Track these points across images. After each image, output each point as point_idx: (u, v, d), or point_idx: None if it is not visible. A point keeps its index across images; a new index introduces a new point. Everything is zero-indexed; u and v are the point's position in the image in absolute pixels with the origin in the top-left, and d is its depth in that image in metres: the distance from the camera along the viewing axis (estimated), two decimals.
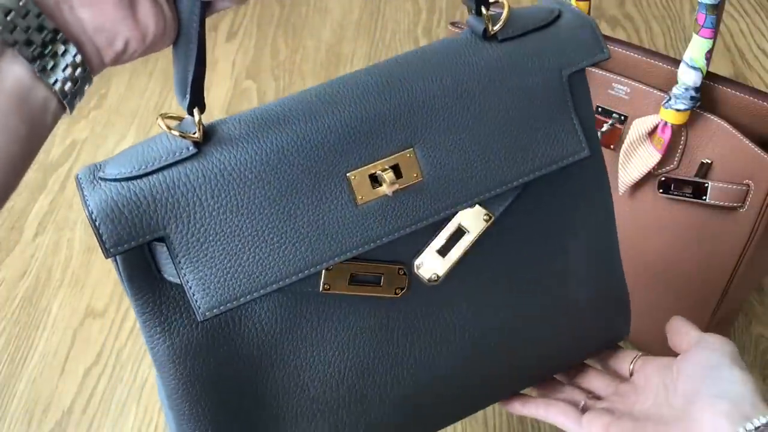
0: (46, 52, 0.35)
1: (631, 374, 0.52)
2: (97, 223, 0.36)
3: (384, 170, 0.40)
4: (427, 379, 0.46)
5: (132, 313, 0.80)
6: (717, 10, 0.56)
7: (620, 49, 0.65)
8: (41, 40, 0.34)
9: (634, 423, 0.46)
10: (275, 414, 0.43)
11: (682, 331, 0.49)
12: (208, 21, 1.25)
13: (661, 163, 0.63)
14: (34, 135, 0.36)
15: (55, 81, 0.36)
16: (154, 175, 0.37)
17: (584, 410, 0.50)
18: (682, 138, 0.62)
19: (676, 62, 0.61)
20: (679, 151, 0.62)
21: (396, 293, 0.43)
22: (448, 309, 0.46)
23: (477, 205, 0.43)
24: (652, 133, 0.62)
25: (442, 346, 0.46)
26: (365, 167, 0.40)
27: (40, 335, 0.78)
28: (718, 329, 0.71)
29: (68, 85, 0.36)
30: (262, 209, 0.39)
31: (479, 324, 0.46)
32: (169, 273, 0.39)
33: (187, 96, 0.37)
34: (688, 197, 0.63)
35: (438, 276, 0.44)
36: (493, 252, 0.45)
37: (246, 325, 0.41)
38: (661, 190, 0.64)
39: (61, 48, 0.35)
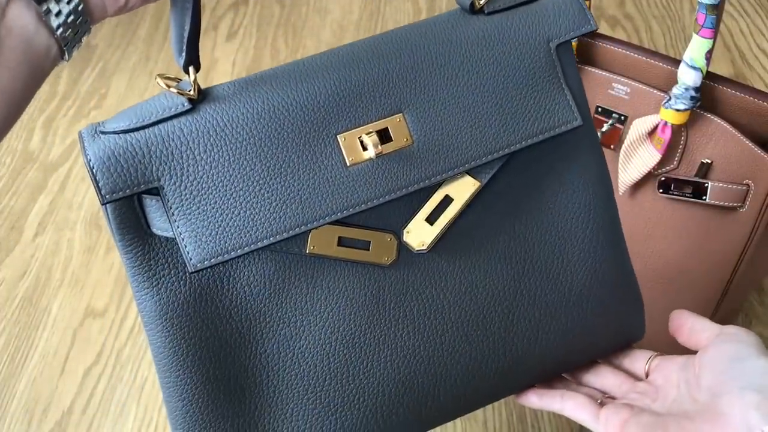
0: None
1: (647, 375, 0.50)
2: (94, 171, 0.38)
3: (368, 134, 0.41)
4: (421, 362, 0.45)
5: (132, 312, 0.80)
6: (717, 10, 0.56)
7: (620, 49, 0.65)
8: None
9: (655, 418, 0.43)
10: (264, 384, 0.43)
11: (697, 328, 0.47)
12: (208, 21, 1.25)
13: (661, 163, 0.63)
14: (33, 78, 0.38)
15: (58, 26, 0.38)
16: (150, 128, 0.39)
17: (601, 405, 0.47)
18: (682, 138, 0.62)
19: (676, 62, 0.61)
20: (679, 151, 0.62)
21: (385, 260, 0.43)
22: (441, 280, 0.45)
23: (465, 174, 0.44)
24: (652, 133, 0.62)
25: (436, 321, 0.45)
26: (355, 129, 0.42)
27: (40, 335, 0.78)
28: None
29: (69, 31, 0.38)
30: (253, 165, 0.40)
31: (474, 298, 0.45)
32: (159, 227, 0.40)
33: (183, 53, 0.40)
34: (688, 197, 0.63)
35: (425, 244, 0.44)
36: (483, 221, 0.45)
37: (234, 285, 0.42)
38: (661, 190, 0.64)
39: None
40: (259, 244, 0.40)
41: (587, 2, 0.63)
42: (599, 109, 0.66)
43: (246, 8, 1.28)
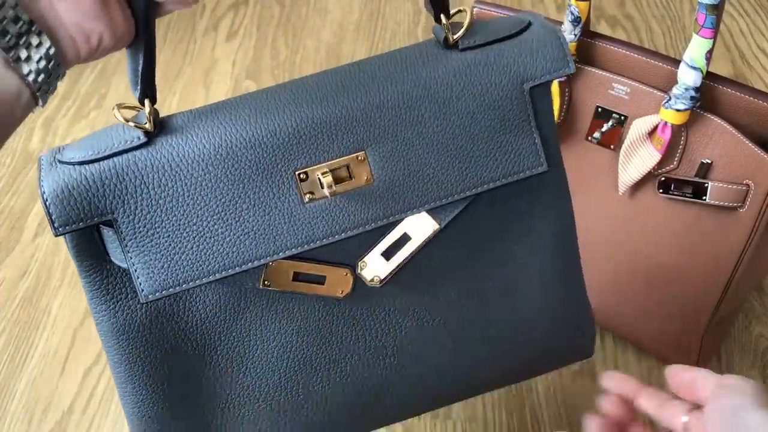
0: (21, 42, 0.35)
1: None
2: (47, 203, 0.38)
3: (324, 174, 0.40)
4: (369, 380, 0.46)
5: None
6: (717, 10, 0.56)
7: (620, 49, 0.65)
8: (17, 30, 0.35)
9: None
10: (215, 396, 0.45)
11: (697, 384, 0.44)
12: (208, 21, 1.25)
13: (661, 163, 0.63)
14: (3, 125, 0.37)
15: (29, 72, 0.36)
16: (105, 161, 0.39)
17: None
18: (682, 138, 0.62)
19: (676, 62, 0.61)
20: (679, 151, 0.62)
21: (340, 293, 0.44)
22: (392, 314, 0.45)
23: (424, 212, 0.43)
24: (652, 133, 0.62)
25: (385, 348, 0.46)
26: (315, 167, 0.41)
27: (40, 335, 0.78)
28: (718, 329, 0.71)
29: (41, 76, 0.37)
30: (208, 201, 0.40)
31: (423, 332, 0.46)
32: (116, 257, 0.41)
33: (138, 87, 0.39)
34: (688, 197, 0.63)
35: (380, 278, 0.44)
36: (439, 260, 0.45)
37: (190, 310, 0.42)
38: (661, 190, 0.64)
39: (36, 39, 0.36)
40: (211, 278, 0.41)
41: (587, 4, 0.63)
42: (599, 110, 0.66)
43: (246, 8, 1.28)
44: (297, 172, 0.41)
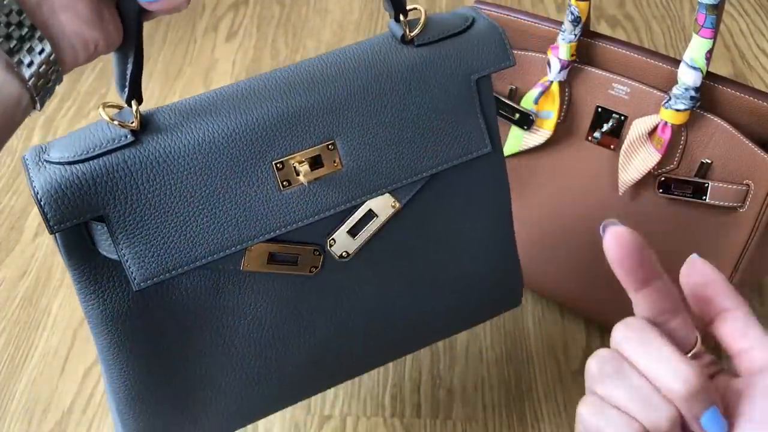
0: (24, 47, 0.37)
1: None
2: (42, 203, 0.40)
3: (300, 162, 0.45)
4: (335, 342, 0.52)
5: None
6: (717, 10, 0.56)
7: (620, 49, 0.65)
8: (20, 35, 0.36)
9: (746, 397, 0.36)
10: (198, 364, 0.48)
11: (748, 335, 0.39)
12: (208, 21, 1.25)
13: (661, 163, 0.63)
14: (2, 128, 0.38)
15: (30, 76, 0.38)
16: (95, 160, 0.41)
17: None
18: (682, 138, 0.62)
19: (676, 62, 0.61)
20: (679, 151, 0.62)
21: (310, 271, 0.48)
22: (358, 282, 0.51)
23: (387, 193, 0.48)
24: (652, 133, 0.62)
25: (351, 311, 0.51)
26: (289, 156, 0.45)
27: (40, 335, 0.78)
28: None
29: (41, 81, 0.38)
30: (193, 192, 0.43)
31: (384, 294, 0.52)
32: (104, 249, 0.43)
33: (126, 89, 0.41)
34: (688, 197, 0.63)
35: (348, 253, 0.49)
36: (399, 234, 0.50)
37: (173, 294, 0.45)
38: (661, 190, 0.64)
39: (38, 45, 0.37)
40: (198, 263, 0.44)
41: (587, 4, 0.63)
42: (599, 110, 0.66)
43: (246, 8, 1.28)
44: (274, 162, 0.45)
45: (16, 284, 0.84)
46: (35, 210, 0.93)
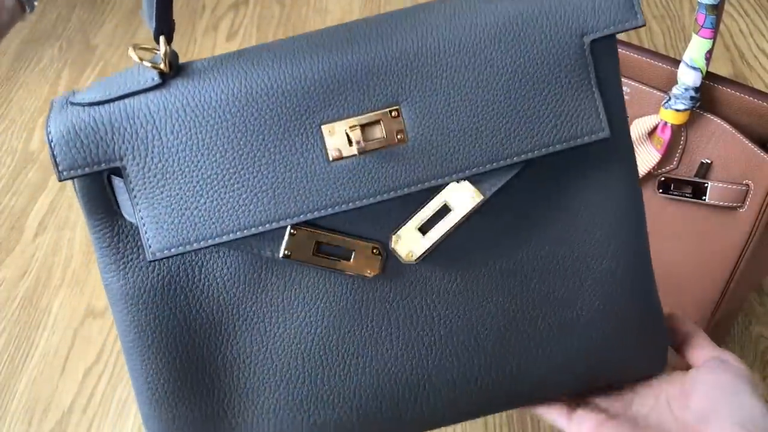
0: None
1: None
2: (52, 145, 0.36)
3: (352, 128, 0.37)
4: (403, 371, 0.41)
5: None
6: (717, 10, 0.56)
7: (620, 49, 0.65)
8: None
9: (632, 427, 0.43)
10: (235, 375, 0.41)
11: (695, 344, 0.46)
12: (208, 21, 1.25)
13: (660, 163, 0.63)
14: None
15: None
16: (116, 103, 0.36)
17: (575, 407, 0.46)
18: (682, 138, 0.62)
19: (676, 62, 0.61)
20: (678, 151, 0.62)
21: (368, 273, 0.40)
22: (430, 293, 0.41)
23: (466, 181, 0.38)
24: (651, 133, 0.62)
25: (421, 338, 0.41)
26: (343, 121, 0.37)
27: (40, 335, 0.78)
28: (718, 329, 0.71)
29: None
30: (224, 152, 0.37)
31: (467, 314, 0.41)
32: (126, 211, 0.38)
33: (154, 23, 0.36)
34: (687, 197, 0.63)
35: (414, 255, 0.39)
36: (483, 236, 0.40)
37: (206, 277, 0.39)
38: (660, 190, 0.64)
39: None
40: (225, 238, 0.37)
41: None
42: None
43: (246, 8, 1.28)
44: (323, 126, 0.37)
45: (16, 284, 0.84)
46: (35, 210, 0.93)
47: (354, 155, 0.37)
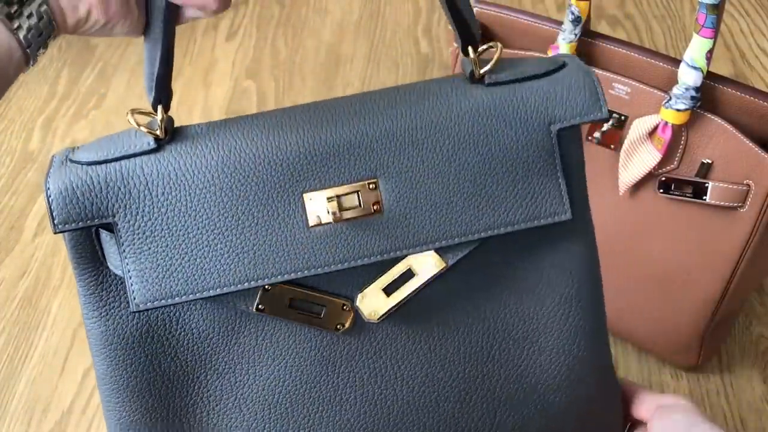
0: None
1: None
2: (50, 200, 0.38)
3: (329, 198, 0.39)
4: (365, 428, 0.43)
5: None
6: (717, 9, 0.56)
7: (620, 49, 0.65)
8: None
9: None
10: (204, 422, 0.43)
11: (638, 400, 0.47)
12: (209, 21, 1.25)
13: (661, 163, 0.63)
14: None
15: (18, 27, 0.37)
16: (112, 164, 0.39)
17: None
18: (683, 138, 0.62)
19: (677, 62, 0.61)
20: (679, 151, 0.62)
21: (337, 329, 0.41)
22: (394, 353, 0.42)
23: (432, 251, 0.41)
24: (652, 133, 0.62)
25: (384, 398, 0.43)
26: (323, 191, 0.39)
27: (39, 335, 0.78)
28: (719, 329, 0.71)
29: (32, 32, 0.37)
30: (210, 215, 0.39)
31: (429, 375, 0.43)
32: (112, 263, 0.40)
33: (152, 93, 0.39)
34: (688, 197, 0.63)
35: (377, 314, 0.41)
36: (446, 300, 0.42)
37: (182, 328, 0.41)
38: (661, 190, 0.64)
39: None
40: (205, 294, 0.39)
41: (587, 3, 0.63)
42: None
43: (246, 8, 1.28)
44: (305, 194, 0.39)
45: (15, 284, 0.84)
46: (35, 210, 0.93)
47: (331, 223, 0.40)
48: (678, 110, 0.60)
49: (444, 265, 0.41)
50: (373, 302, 0.41)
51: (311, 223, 0.40)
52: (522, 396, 0.44)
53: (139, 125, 0.39)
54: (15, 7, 0.36)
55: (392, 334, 0.42)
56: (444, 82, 0.42)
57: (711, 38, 0.57)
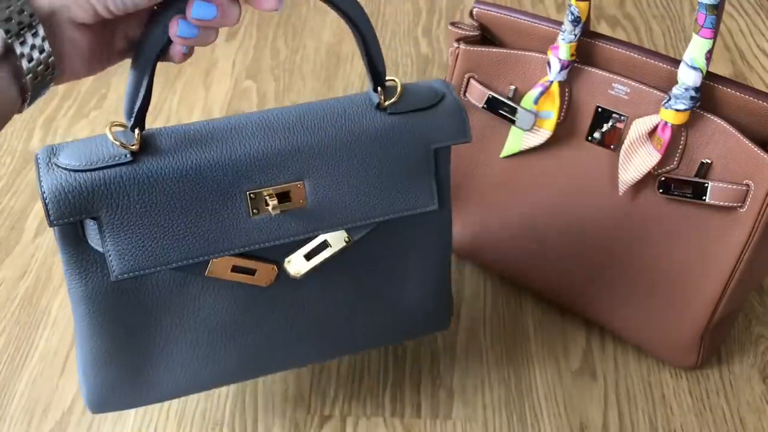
0: (24, 35, 0.39)
1: None
2: (46, 201, 0.48)
3: (271, 195, 0.52)
4: (278, 339, 0.61)
5: None
6: (717, 10, 0.56)
7: (620, 49, 0.65)
8: (19, 21, 0.39)
9: None
10: (159, 344, 0.57)
11: None
12: None
13: (661, 163, 0.63)
14: None
15: (28, 71, 0.40)
16: (96, 172, 0.49)
17: None
18: (682, 138, 0.62)
19: (676, 62, 0.61)
20: (679, 151, 0.62)
21: (265, 284, 0.56)
22: (305, 297, 0.59)
23: (342, 230, 0.56)
24: (652, 133, 0.62)
25: (296, 319, 0.60)
26: (262, 189, 0.52)
27: (40, 335, 0.78)
28: (718, 329, 0.71)
29: (37, 78, 0.41)
30: (174, 209, 0.51)
31: (327, 309, 0.61)
32: (93, 241, 0.51)
33: (132, 119, 0.48)
34: (688, 197, 0.63)
35: (300, 273, 0.57)
36: (348, 264, 0.59)
37: (145, 284, 0.54)
38: (661, 190, 0.64)
39: (38, 39, 0.40)
40: (169, 266, 0.52)
41: (587, 4, 0.63)
42: (599, 109, 0.66)
43: (246, 8, 1.28)
44: (248, 192, 0.52)
45: (16, 284, 0.84)
46: (35, 210, 0.93)
47: (268, 213, 0.53)
48: (677, 110, 0.60)
49: (351, 240, 0.57)
50: (297, 265, 0.57)
51: (252, 213, 0.53)
52: (389, 313, 0.63)
53: (116, 140, 0.48)
54: (16, 42, 0.39)
55: (310, 288, 0.59)
56: (357, 105, 0.55)
57: (710, 38, 0.57)
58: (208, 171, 0.51)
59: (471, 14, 0.72)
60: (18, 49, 0.39)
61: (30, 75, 0.40)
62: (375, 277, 0.61)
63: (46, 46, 0.40)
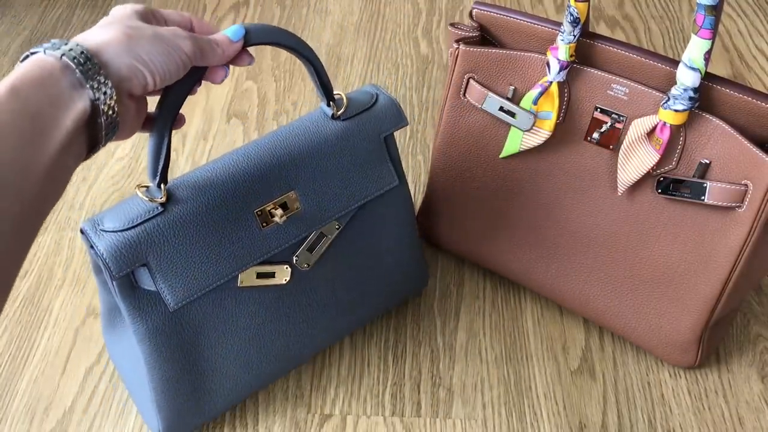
0: (96, 78, 0.45)
1: None
2: (107, 261, 0.56)
3: (275, 208, 0.63)
4: (303, 330, 0.70)
5: None
6: (716, 10, 0.56)
7: (619, 50, 0.65)
8: (89, 68, 0.45)
9: None
10: (209, 358, 0.65)
11: None
12: (209, 22, 1.25)
13: (659, 164, 0.63)
14: (59, 171, 0.45)
15: (103, 111, 0.46)
16: (139, 227, 0.57)
17: None
18: (681, 138, 0.62)
19: (675, 63, 0.62)
20: (677, 151, 0.63)
21: (284, 281, 0.66)
22: (318, 282, 0.69)
23: (333, 221, 0.67)
24: (650, 134, 0.63)
25: (315, 305, 0.70)
26: (265, 205, 0.63)
27: (41, 335, 0.78)
28: (717, 329, 0.72)
29: (108, 119, 0.47)
30: (205, 240, 0.60)
31: (334, 288, 0.71)
32: (145, 284, 0.59)
33: (157, 178, 0.57)
34: (686, 197, 0.63)
35: (309, 264, 0.67)
36: (341, 248, 0.70)
37: (190, 310, 0.62)
38: (659, 191, 0.64)
39: (105, 81, 0.46)
40: (209, 288, 0.61)
41: (586, 5, 0.64)
42: (598, 110, 0.66)
43: (246, 9, 1.28)
44: (255, 211, 0.62)
45: (17, 284, 0.84)
46: None
47: (275, 223, 0.63)
48: (676, 111, 0.60)
49: (341, 225, 0.68)
50: (304, 258, 0.67)
51: (262, 226, 0.63)
52: (380, 281, 0.75)
53: (146, 197, 0.57)
54: (91, 84, 0.46)
55: (317, 274, 0.69)
56: (316, 122, 0.66)
57: (709, 39, 0.58)
58: (221, 203, 0.60)
59: (470, 15, 0.72)
60: (101, 110, 0.46)
61: (103, 131, 0.46)
62: (364, 252, 0.71)
63: (116, 107, 0.46)
